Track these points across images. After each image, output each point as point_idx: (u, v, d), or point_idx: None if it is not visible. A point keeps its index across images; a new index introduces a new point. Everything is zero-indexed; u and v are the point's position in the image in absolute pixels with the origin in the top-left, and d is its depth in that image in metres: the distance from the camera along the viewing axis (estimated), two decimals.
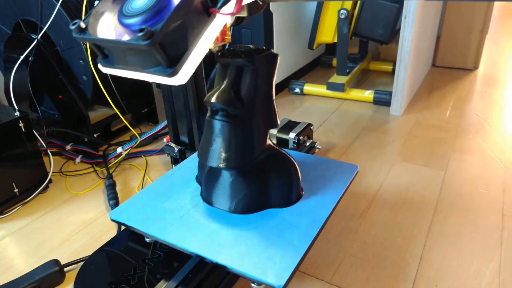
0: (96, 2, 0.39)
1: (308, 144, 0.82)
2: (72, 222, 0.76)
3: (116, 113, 1.09)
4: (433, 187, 0.81)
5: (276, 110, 0.51)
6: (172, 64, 0.34)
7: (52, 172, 0.90)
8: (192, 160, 0.66)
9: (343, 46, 1.26)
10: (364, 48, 1.51)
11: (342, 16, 1.20)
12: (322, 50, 1.71)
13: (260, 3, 0.45)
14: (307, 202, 0.53)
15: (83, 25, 0.36)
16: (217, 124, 0.47)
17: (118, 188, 0.83)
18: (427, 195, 0.79)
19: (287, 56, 1.37)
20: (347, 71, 1.32)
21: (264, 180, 0.51)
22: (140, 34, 0.31)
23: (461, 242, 0.66)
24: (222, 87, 0.46)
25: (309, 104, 1.29)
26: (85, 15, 0.70)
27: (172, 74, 0.34)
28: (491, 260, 0.62)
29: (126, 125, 1.13)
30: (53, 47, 0.92)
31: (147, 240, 0.52)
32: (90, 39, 0.36)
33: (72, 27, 0.36)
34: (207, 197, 0.53)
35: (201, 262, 0.46)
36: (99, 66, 0.40)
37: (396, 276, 0.60)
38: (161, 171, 0.92)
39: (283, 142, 0.80)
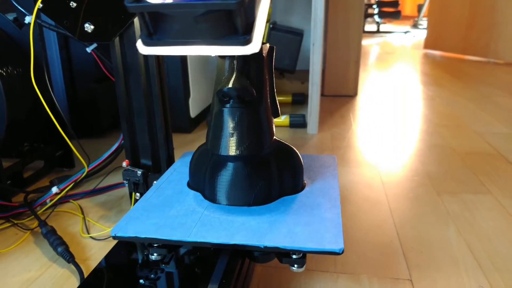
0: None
1: None
2: (9, 284, 0.60)
3: (23, 159, 0.93)
4: (376, 182, 0.91)
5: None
6: (247, 31, 0.34)
7: None
8: (171, 174, 0.60)
9: None
10: None
11: None
12: None
13: None
14: (314, 186, 0.55)
15: None
16: (234, 112, 0.46)
17: None
18: (375, 189, 0.88)
19: (202, 90, 1.39)
20: None
21: (276, 168, 0.51)
22: None
23: (421, 216, 0.75)
24: (235, 75, 0.45)
25: None
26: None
27: (247, 42, 0.34)
28: (448, 225, 0.72)
29: (38, 171, 0.97)
30: None
31: (152, 257, 0.46)
32: (153, 6, 0.32)
33: None
34: (215, 198, 0.50)
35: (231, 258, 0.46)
36: (140, 46, 0.36)
37: (387, 254, 0.64)
38: (99, 212, 0.81)
39: None
